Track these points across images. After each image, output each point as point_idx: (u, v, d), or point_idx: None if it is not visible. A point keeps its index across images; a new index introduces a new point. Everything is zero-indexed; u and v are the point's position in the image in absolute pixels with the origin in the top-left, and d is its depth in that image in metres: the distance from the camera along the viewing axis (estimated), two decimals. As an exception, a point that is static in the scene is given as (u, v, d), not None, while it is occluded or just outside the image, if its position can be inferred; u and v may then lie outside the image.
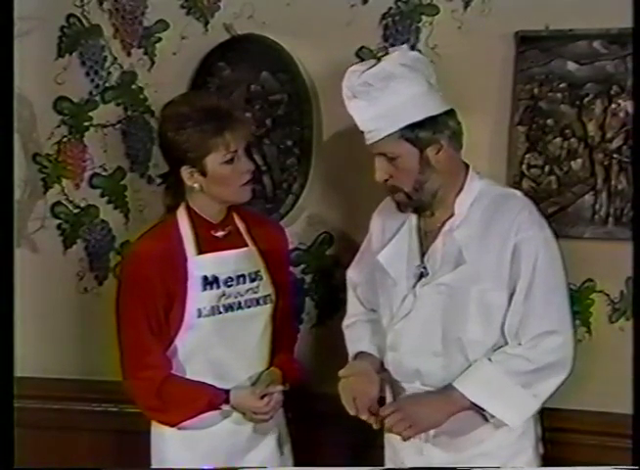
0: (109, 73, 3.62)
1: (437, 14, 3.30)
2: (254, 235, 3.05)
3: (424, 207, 2.83)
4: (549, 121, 3.22)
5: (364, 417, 2.78)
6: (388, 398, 2.94)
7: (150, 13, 3.57)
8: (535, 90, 3.21)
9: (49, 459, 3.59)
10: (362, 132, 2.78)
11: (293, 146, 3.48)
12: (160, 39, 3.57)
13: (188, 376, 2.98)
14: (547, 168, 3.23)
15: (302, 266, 3.52)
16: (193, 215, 2.99)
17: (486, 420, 2.79)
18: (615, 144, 3.16)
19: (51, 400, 3.70)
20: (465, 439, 2.82)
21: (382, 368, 2.92)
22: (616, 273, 3.17)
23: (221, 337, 2.97)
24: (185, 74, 3.52)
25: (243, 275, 3.00)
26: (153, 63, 3.59)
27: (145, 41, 3.58)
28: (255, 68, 3.47)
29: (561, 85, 3.19)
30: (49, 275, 3.74)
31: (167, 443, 3.01)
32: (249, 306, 3.01)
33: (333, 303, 3.45)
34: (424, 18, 3.32)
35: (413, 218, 2.88)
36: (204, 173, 2.91)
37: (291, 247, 3.31)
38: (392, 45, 3.31)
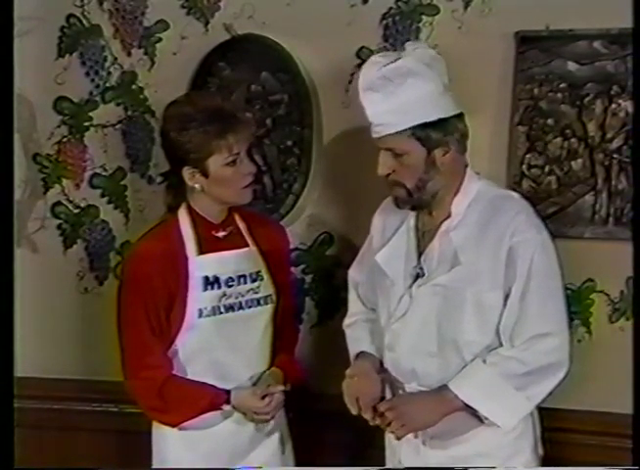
0: (109, 73, 3.62)
1: (438, 14, 3.30)
2: (255, 235, 3.05)
3: (422, 205, 2.83)
4: (549, 121, 3.22)
5: (367, 416, 2.79)
6: (388, 397, 2.94)
7: (150, 13, 3.57)
8: (535, 90, 3.21)
9: (49, 459, 3.60)
10: (370, 124, 2.76)
11: (293, 146, 3.48)
12: (160, 39, 3.57)
13: (189, 376, 2.98)
14: (547, 168, 3.23)
15: (303, 266, 3.52)
16: (194, 216, 2.99)
17: (482, 421, 2.79)
18: (615, 144, 3.16)
19: (51, 401, 3.70)
20: (461, 439, 2.82)
21: (382, 368, 2.93)
22: (616, 273, 3.17)
23: (222, 337, 2.97)
24: (185, 74, 3.52)
25: (244, 275, 3.00)
26: (153, 63, 3.59)
27: (145, 41, 3.58)
28: (256, 68, 3.47)
29: (561, 85, 3.19)
30: (49, 275, 3.74)
31: (168, 443, 3.01)
32: (249, 307, 3.01)
33: (333, 303, 3.45)
34: (424, 18, 3.32)
35: (411, 218, 2.88)
36: (205, 174, 2.91)
37: (291, 247, 3.30)
38: (393, 45, 3.32)
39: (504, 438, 2.80)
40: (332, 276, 3.48)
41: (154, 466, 3.06)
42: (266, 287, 3.04)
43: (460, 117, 2.78)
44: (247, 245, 3.03)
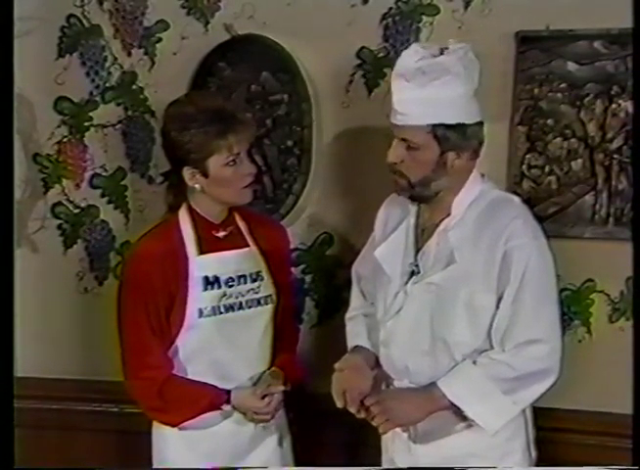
0: (109, 74, 3.62)
1: (438, 14, 3.30)
2: (256, 235, 3.05)
3: (422, 199, 2.82)
4: (549, 122, 3.22)
5: (352, 410, 2.79)
6: (383, 392, 2.96)
7: (150, 13, 3.57)
8: (536, 90, 3.21)
9: (49, 459, 3.60)
10: (392, 110, 2.73)
11: (293, 146, 3.48)
12: (160, 39, 3.56)
13: (189, 376, 2.98)
14: (547, 169, 3.24)
15: (303, 266, 3.52)
16: (194, 216, 2.99)
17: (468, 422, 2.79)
18: (615, 144, 3.16)
19: (51, 401, 3.70)
20: (451, 439, 2.82)
21: (377, 364, 2.93)
22: (616, 273, 3.17)
23: (222, 337, 2.97)
24: (185, 74, 3.52)
25: (244, 275, 3.00)
26: (153, 63, 3.59)
27: (145, 41, 3.57)
28: (256, 68, 3.47)
29: (561, 85, 3.19)
30: (49, 275, 3.74)
31: (168, 443, 3.01)
32: (250, 307, 3.01)
33: (333, 303, 3.45)
34: (424, 18, 3.32)
35: (412, 215, 2.88)
36: (205, 175, 2.91)
37: (291, 247, 3.30)
38: (393, 45, 3.32)
39: (494, 439, 2.79)
40: (332, 276, 3.48)
41: (154, 466, 3.06)
42: (266, 287, 3.04)
43: (480, 125, 2.77)
44: (247, 245, 3.03)
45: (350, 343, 3.00)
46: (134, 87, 3.61)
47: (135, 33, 3.59)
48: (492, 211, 2.78)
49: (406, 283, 2.83)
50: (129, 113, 3.63)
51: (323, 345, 3.45)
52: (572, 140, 3.21)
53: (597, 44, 3.15)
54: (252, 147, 3.08)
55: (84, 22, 3.62)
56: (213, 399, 2.96)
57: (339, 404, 2.81)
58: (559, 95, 3.20)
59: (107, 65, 3.62)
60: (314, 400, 3.30)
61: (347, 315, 3.08)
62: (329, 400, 2.85)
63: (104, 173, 3.68)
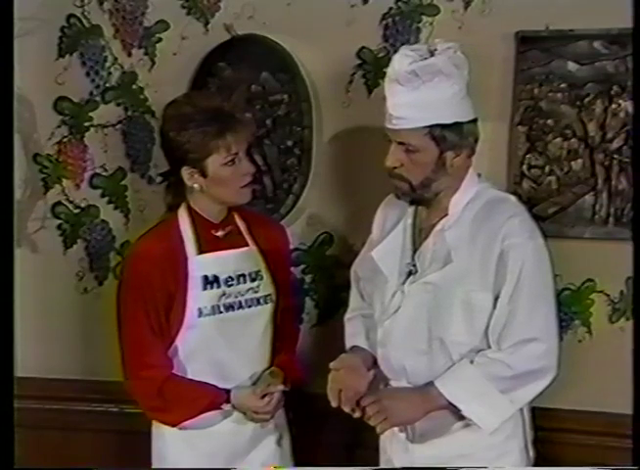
0: (109, 74, 3.62)
1: (438, 14, 3.30)
2: (255, 235, 3.05)
3: (422, 201, 2.83)
4: (549, 122, 3.22)
5: (347, 409, 2.79)
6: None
7: (150, 13, 3.57)
8: (536, 90, 3.21)
9: (49, 459, 3.60)
10: (387, 114, 2.74)
11: (293, 146, 3.48)
12: (160, 39, 3.57)
13: (189, 376, 2.98)
14: (547, 169, 3.24)
15: (303, 266, 3.52)
16: (194, 215, 2.99)
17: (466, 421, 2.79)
18: (615, 144, 3.16)
19: (51, 401, 3.70)
20: (448, 439, 2.82)
21: (374, 364, 2.93)
22: (616, 273, 3.17)
23: (222, 336, 2.97)
24: (185, 75, 3.52)
25: (243, 275, 3.01)
26: (153, 63, 3.59)
27: (145, 41, 3.58)
28: (256, 68, 3.47)
29: (561, 85, 3.19)
30: (49, 275, 3.74)
31: (168, 443, 3.01)
32: (249, 306, 3.01)
33: (333, 302, 3.45)
34: (424, 18, 3.32)
35: (409, 216, 2.89)
36: (204, 174, 2.91)
37: (291, 247, 3.31)
38: (393, 45, 3.32)
39: (492, 438, 2.79)
40: (332, 276, 3.48)
41: (154, 466, 3.06)
42: (266, 286, 3.04)
43: (475, 122, 2.78)
44: (246, 244, 3.03)
45: (348, 343, 3.00)
46: (134, 87, 3.61)
47: (135, 33, 3.59)
48: (489, 211, 2.78)
49: (403, 283, 2.83)
50: (129, 113, 3.63)
51: (323, 345, 3.45)
52: (573, 140, 3.21)
53: (597, 44, 3.15)
54: (252, 147, 3.08)
55: (84, 22, 3.62)
56: (213, 398, 2.96)
57: (333, 404, 2.81)
58: (559, 95, 3.20)
59: (107, 65, 3.62)
60: (314, 400, 3.29)
61: (346, 316, 3.08)
62: (328, 401, 2.85)
63: (104, 173, 3.68)
